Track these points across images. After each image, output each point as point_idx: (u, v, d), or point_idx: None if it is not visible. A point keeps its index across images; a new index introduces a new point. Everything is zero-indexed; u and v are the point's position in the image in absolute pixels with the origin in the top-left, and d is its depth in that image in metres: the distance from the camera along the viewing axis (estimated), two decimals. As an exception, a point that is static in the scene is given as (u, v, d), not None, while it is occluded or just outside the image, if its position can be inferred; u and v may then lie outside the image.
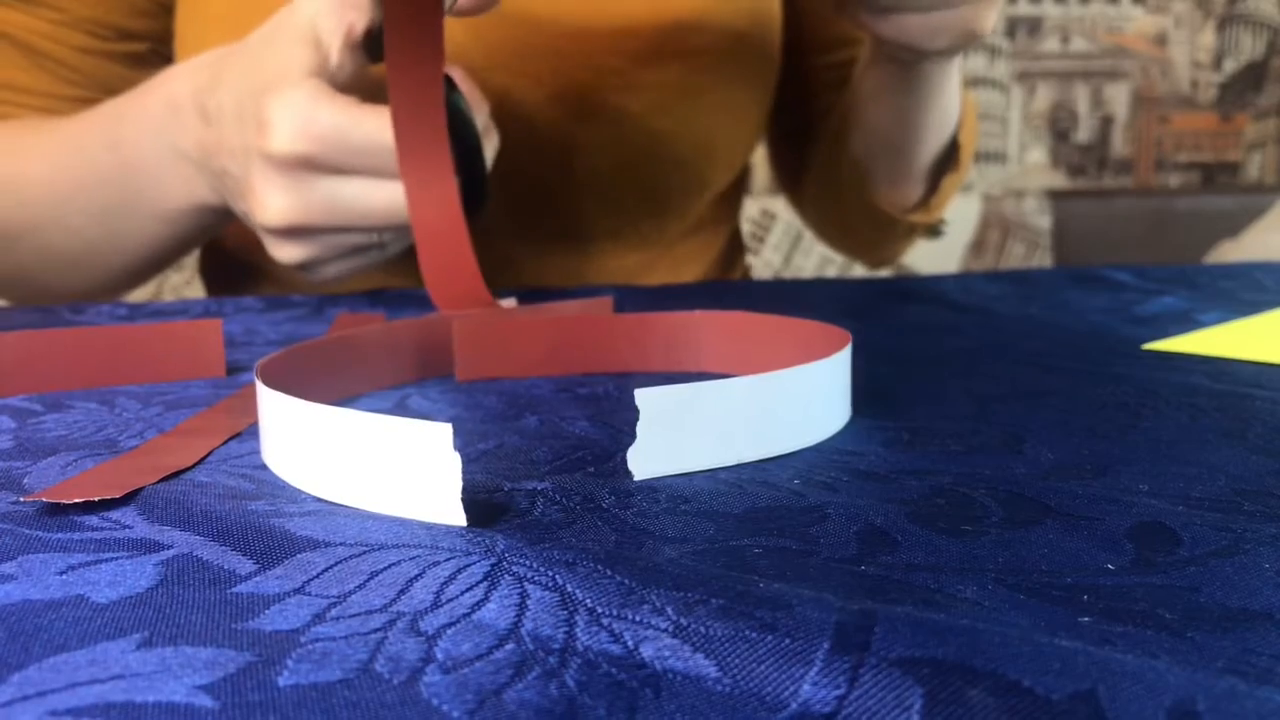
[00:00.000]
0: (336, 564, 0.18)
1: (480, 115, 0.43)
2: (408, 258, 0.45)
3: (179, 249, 0.52)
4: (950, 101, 0.56)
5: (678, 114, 0.57)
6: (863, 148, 0.60)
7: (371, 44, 0.42)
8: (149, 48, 0.58)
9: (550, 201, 0.58)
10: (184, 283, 1.56)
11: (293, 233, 0.42)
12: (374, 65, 0.43)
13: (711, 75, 0.57)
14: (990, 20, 0.46)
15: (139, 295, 1.37)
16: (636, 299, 0.49)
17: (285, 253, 0.43)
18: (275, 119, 0.39)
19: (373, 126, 0.39)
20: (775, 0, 0.60)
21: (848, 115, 0.61)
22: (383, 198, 0.41)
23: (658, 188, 0.60)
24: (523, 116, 0.54)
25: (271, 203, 0.41)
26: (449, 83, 0.41)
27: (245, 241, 0.55)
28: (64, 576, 0.18)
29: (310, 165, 0.40)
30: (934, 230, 0.65)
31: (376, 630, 0.16)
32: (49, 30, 0.55)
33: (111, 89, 0.56)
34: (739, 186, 0.69)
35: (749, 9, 0.58)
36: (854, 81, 0.60)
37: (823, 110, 0.67)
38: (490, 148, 0.44)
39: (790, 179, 0.73)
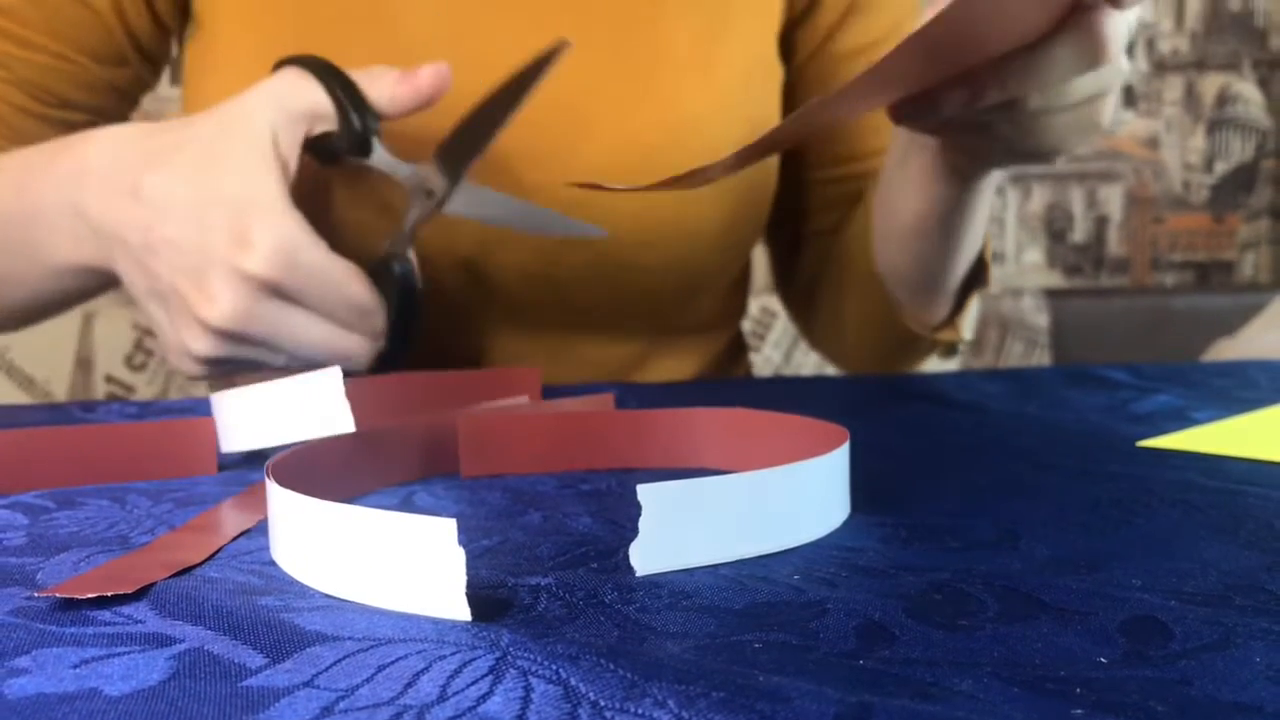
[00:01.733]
0: (345, 658, 0.19)
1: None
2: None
3: (60, 303, 0.54)
4: (985, 215, 0.55)
5: (669, 217, 0.58)
6: (893, 270, 0.58)
7: (324, 148, 0.46)
8: (87, 120, 0.59)
9: (542, 294, 0.59)
10: (190, 381, 1.57)
11: (225, 335, 0.43)
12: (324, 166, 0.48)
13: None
14: (1111, 110, 0.43)
15: (147, 393, 1.38)
16: (637, 395, 0.50)
17: (203, 345, 0.44)
18: (259, 243, 0.42)
19: (341, 277, 0.44)
20: (775, 109, 0.62)
21: (866, 242, 0.59)
22: (318, 334, 0.44)
23: (649, 288, 0.60)
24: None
25: (223, 302, 0.43)
26: (402, 257, 0.47)
27: None
28: (77, 670, 0.18)
29: (274, 289, 0.43)
30: (951, 348, 0.63)
31: (384, 723, 0.16)
32: None
33: None
34: (741, 291, 0.70)
35: (746, 116, 0.59)
36: (885, 210, 0.57)
37: (821, 226, 0.67)
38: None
39: (783, 285, 0.74)
